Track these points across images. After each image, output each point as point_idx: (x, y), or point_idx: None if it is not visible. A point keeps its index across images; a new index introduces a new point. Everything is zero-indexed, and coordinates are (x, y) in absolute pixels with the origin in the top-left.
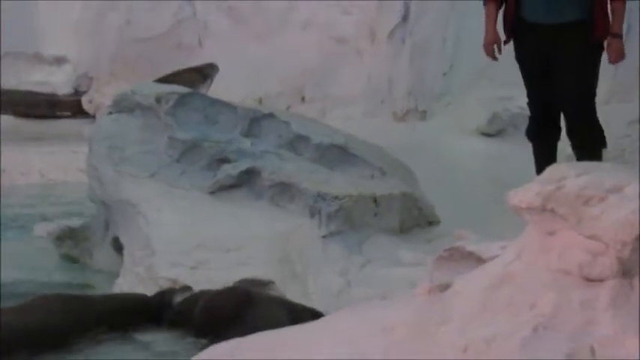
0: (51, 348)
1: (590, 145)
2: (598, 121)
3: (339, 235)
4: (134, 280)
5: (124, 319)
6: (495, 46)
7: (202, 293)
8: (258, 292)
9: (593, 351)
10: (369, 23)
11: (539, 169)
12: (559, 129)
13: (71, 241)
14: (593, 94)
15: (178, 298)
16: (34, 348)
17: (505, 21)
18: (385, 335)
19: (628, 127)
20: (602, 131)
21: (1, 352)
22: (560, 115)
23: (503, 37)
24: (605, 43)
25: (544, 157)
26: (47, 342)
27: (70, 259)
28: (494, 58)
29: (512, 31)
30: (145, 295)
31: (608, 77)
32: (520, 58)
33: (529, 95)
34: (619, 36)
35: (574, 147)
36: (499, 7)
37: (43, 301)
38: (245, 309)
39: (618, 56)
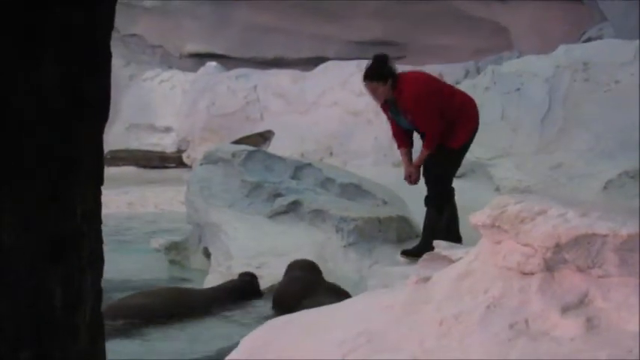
0: (162, 318)
1: (432, 202)
2: (443, 192)
3: (356, 245)
4: (218, 277)
5: (218, 301)
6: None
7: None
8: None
9: (527, 322)
10: (375, 102)
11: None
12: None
13: (176, 250)
14: (441, 178)
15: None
16: (151, 318)
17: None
18: (387, 312)
19: (550, 171)
20: (444, 196)
21: (132, 318)
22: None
23: None
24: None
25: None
26: (159, 315)
27: (175, 263)
28: (415, 183)
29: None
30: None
31: (536, 136)
32: None
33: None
34: (416, 167)
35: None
36: (409, 150)
37: (156, 291)
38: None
39: (411, 182)
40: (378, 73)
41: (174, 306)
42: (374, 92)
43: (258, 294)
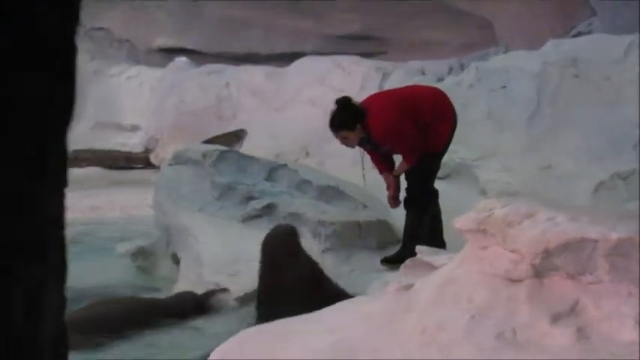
0: (125, 326)
1: (413, 205)
2: (425, 195)
3: (334, 250)
4: (188, 284)
5: (181, 312)
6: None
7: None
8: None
9: (515, 332)
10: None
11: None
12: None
13: (143, 256)
14: (422, 181)
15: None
16: (114, 326)
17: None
18: (366, 321)
19: (538, 171)
20: (425, 199)
21: (96, 327)
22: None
23: None
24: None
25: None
26: (122, 324)
27: (142, 269)
28: (395, 205)
29: None
30: (195, 293)
31: (523, 135)
32: None
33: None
34: (396, 177)
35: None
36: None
37: (118, 300)
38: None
39: (393, 203)
40: (346, 122)
41: (135, 317)
42: (345, 141)
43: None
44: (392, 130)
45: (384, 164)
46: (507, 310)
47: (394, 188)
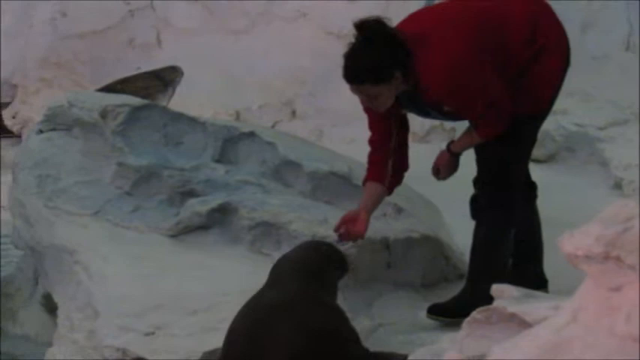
0: None
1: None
2: (509, 192)
3: (341, 293)
4: (71, 350)
5: None
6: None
7: None
8: None
9: None
10: (379, 15)
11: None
12: None
13: None
14: (505, 166)
15: None
16: None
17: None
18: None
19: None
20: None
21: None
22: None
23: None
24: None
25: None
26: None
27: None
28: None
29: None
30: None
31: None
32: None
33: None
34: (455, 155)
35: None
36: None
37: None
38: None
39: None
40: (377, 69)
41: None
42: (373, 100)
43: None
44: (460, 78)
45: (381, 159)
46: None
47: (445, 167)
